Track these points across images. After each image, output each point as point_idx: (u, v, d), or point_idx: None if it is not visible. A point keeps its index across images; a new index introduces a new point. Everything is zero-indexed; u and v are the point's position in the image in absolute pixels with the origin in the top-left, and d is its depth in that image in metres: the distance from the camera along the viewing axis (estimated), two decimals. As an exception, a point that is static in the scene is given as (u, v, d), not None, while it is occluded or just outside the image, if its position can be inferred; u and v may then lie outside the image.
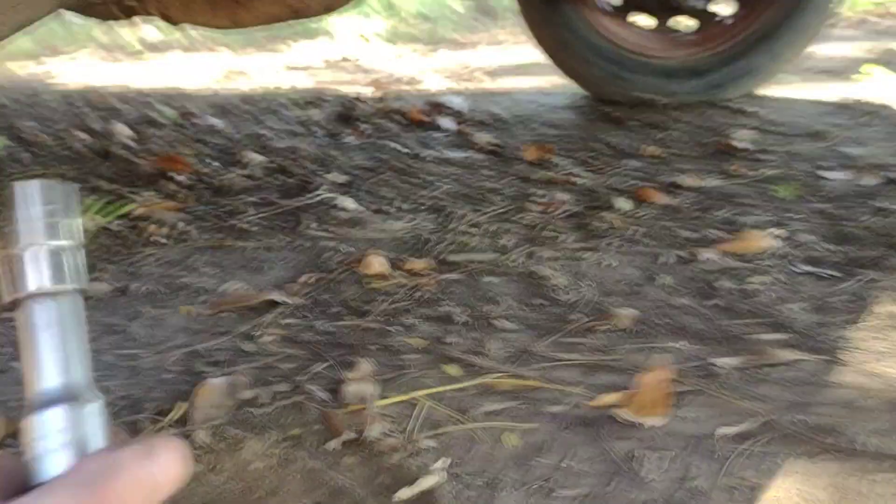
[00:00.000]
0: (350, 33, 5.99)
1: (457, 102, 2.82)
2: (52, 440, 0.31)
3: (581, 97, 2.86)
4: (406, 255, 1.41)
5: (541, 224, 1.54)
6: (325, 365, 1.06)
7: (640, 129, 2.30)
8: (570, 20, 2.62)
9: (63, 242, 0.34)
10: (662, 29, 2.68)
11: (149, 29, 6.85)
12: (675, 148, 2.07)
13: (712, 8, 2.60)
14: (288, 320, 1.20)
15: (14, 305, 0.33)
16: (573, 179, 1.79)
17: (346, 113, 2.74)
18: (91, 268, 1.40)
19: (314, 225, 1.58)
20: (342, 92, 3.34)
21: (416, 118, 2.59)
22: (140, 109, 3.21)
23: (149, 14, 1.66)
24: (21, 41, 6.05)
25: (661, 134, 2.23)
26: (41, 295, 0.33)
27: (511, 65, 4.05)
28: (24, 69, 5.07)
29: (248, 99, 3.36)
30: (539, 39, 2.75)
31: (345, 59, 4.82)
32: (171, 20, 1.67)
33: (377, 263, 1.36)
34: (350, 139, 2.36)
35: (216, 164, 2.12)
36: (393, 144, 2.24)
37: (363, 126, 2.53)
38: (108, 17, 2.06)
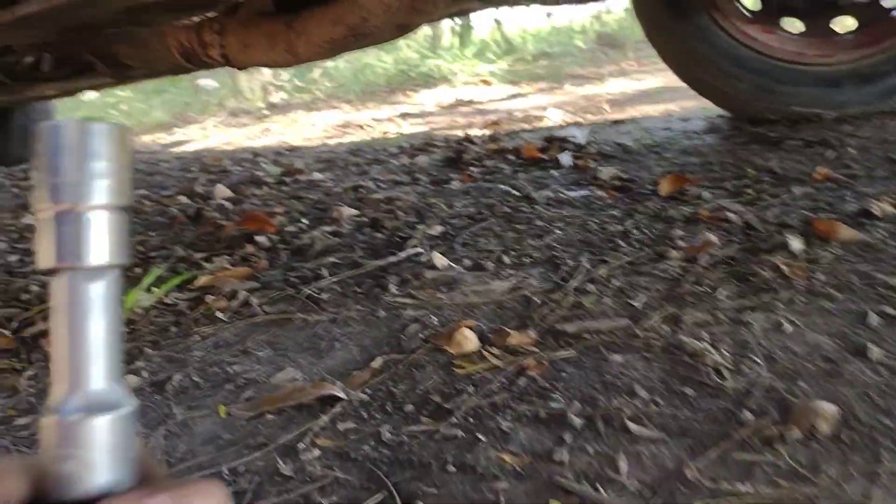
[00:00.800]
0: (470, 77, 5.80)
1: (578, 135, 2.49)
2: (90, 454, 0.29)
3: (723, 119, 2.45)
4: (507, 326, 1.08)
5: (685, 276, 1.17)
6: (381, 498, 0.75)
7: (805, 150, 1.87)
8: (705, 31, 2.24)
9: (119, 203, 0.30)
10: (818, 31, 2.24)
11: (275, 93, 7.01)
12: (856, 168, 1.63)
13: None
14: (346, 424, 0.90)
15: (54, 273, 0.29)
16: (724, 215, 1.41)
17: (456, 157, 2.48)
18: (132, 355, 1.18)
19: (395, 289, 1.29)
20: (454, 135, 3.10)
21: (531, 155, 2.28)
22: (249, 169, 3.11)
23: (212, 59, 1.47)
24: (155, 112, 6.33)
25: (834, 153, 1.79)
26: (91, 270, 0.29)
27: (638, 92, 3.68)
28: (156, 140, 5.23)
29: (357, 150, 3.18)
30: (669, 57, 2.39)
31: (462, 103, 4.61)
32: (234, 63, 1.47)
33: (468, 339, 1.05)
34: (455, 184, 2.08)
35: (305, 221, 1.89)
36: (503, 187, 1.94)
37: (472, 169, 2.25)
38: (177, 72, 1.91)
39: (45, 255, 0.29)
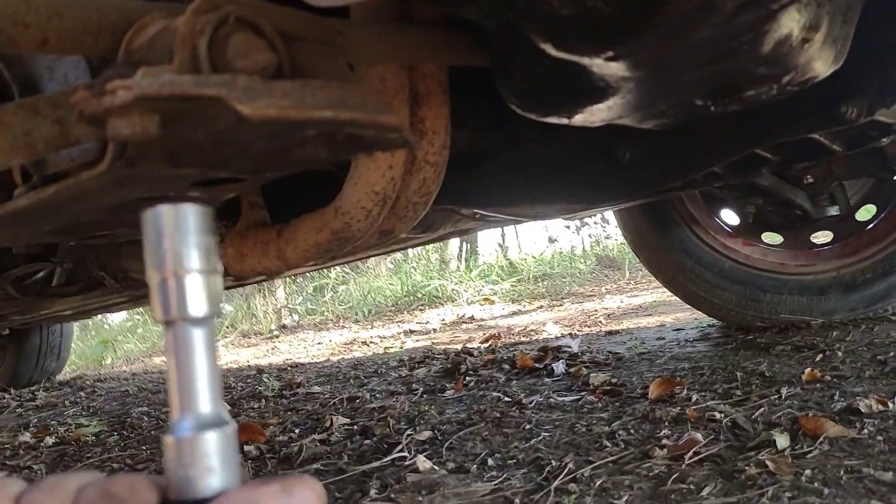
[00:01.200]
0: (474, 296, 5.97)
1: (573, 345, 2.53)
2: (204, 462, 0.36)
3: (715, 327, 2.50)
4: (485, 527, 1.04)
5: (670, 474, 1.14)
6: None
7: (793, 354, 1.88)
8: (687, 244, 2.35)
9: (215, 268, 0.38)
10: (798, 244, 2.35)
11: (288, 316, 7.19)
12: (844, 369, 1.64)
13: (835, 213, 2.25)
14: None
15: (166, 325, 0.38)
16: (712, 415, 1.40)
17: (453, 368, 2.50)
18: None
19: (375, 493, 1.25)
20: (454, 349, 3.14)
21: (525, 364, 2.29)
22: (251, 385, 3.12)
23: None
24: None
25: (822, 356, 1.80)
26: (197, 320, 0.37)
27: (634, 306, 3.76)
28: (165, 361, 5.29)
29: (358, 364, 3.21)
30: (657, 271, 2.48)
31: (465, 320, 4.71)
32: (232, 273, 1.54)
33: (443, 540, 1.00)
34: (449, 393, 2.08)
35: (297, 430, 1.88)
36: (494, 394, 1.94)
37: (467, 379, 2.26)
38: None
39: (157, 312, 0.38)
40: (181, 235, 0.37)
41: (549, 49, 0.66)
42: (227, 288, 1.63)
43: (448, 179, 1.19)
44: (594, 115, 0.88)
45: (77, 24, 0.62)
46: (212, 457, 0.36)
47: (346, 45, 0.77)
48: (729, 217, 2.41)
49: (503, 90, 0.88)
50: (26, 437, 2.45)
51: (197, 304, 0.37)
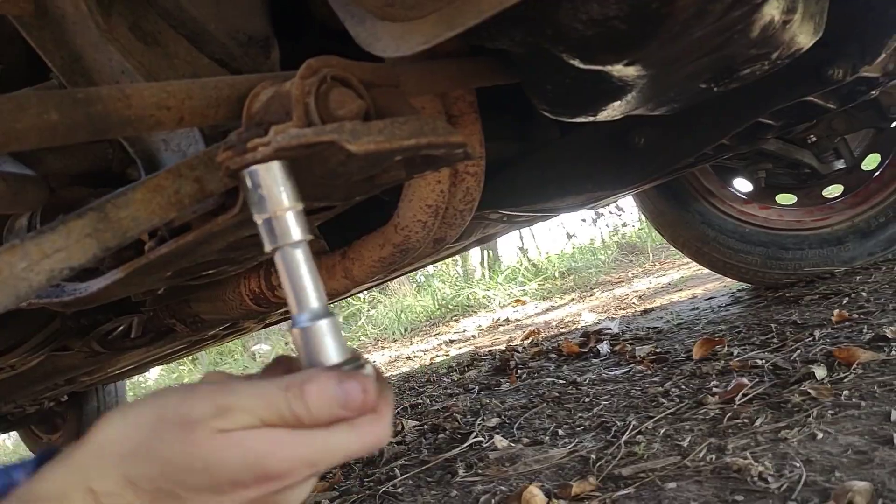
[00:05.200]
0: (505, 300, 6.11)
1: (612, 326, 2.66)
2: (328, 340, 0.50)
3: (745, 291, 2.62)
4: (569, 482, 1.18)
5: (724, 414, 1.28)
6: None
7: (821, 301, 2.01)
8: (707, 216, 2.49)
9: (299, 203, 0.57)
10: (811, 200, 2.48)
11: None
12: (869, 307, 1.76)
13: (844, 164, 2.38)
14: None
15: (274, 252, 0.54)
16: (753, 363, 1.53)
17: (502, 365, 2.64)
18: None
19: (463, 472, 1.39)
20: (499, 349, 3.28)
21: (571, 350, 2.43)
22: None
23: (280, 299, 1.70)
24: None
25: (848, 299, 1.93)
26: (299, 242, 0.54)
27: (664, 285, 3.88)
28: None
29: (409, 377, 3.35)
30: (682, 245, 2.61)
31: (502, 323, 4.84)
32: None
33: (536, 497, 1.15)
34: (505, 386, 2.22)
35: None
36: (549, 380, 2.08)
37: (518, 372, 2.39)
38: (248, 317, 2.14)
39: (266, 245, 0.54)
40: (276, 183, 0.60)
41: (577, 63, 0.81)
42: (278, 308, 1.79)
43: (484, 187, 1.34)
44: (615, 109, 1.02)
45: (203, 101, 0.78)
46: (327, 339, 0.50)
47: (401, 83, 0.93)
48: (742, 185, 2.54)
49: (535, 100, 1.04)
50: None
51: (294, 230, 0.54)
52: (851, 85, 1.50)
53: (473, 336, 4.59)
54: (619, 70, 0.85)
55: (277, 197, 0.59)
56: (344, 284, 1.54)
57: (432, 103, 1.18)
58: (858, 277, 2.16)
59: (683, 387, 1.53)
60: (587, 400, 1.67)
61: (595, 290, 5.00)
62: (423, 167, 0.90)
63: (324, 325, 0.51)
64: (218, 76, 0.93)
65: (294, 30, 1.09)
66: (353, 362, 0.53)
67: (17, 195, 0.96)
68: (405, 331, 6.32)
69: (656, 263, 5.43)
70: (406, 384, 3.13)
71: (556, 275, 6.54)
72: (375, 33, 0.79)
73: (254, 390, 0.47)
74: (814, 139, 2.33)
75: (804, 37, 1.04)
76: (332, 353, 0.50)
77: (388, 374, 3.89)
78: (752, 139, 1.73)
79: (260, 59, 0.98)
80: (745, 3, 0.79)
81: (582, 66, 0.82)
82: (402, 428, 1.99)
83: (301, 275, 0.54)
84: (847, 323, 1.67)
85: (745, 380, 1.41)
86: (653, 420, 1.36)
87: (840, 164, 2.37)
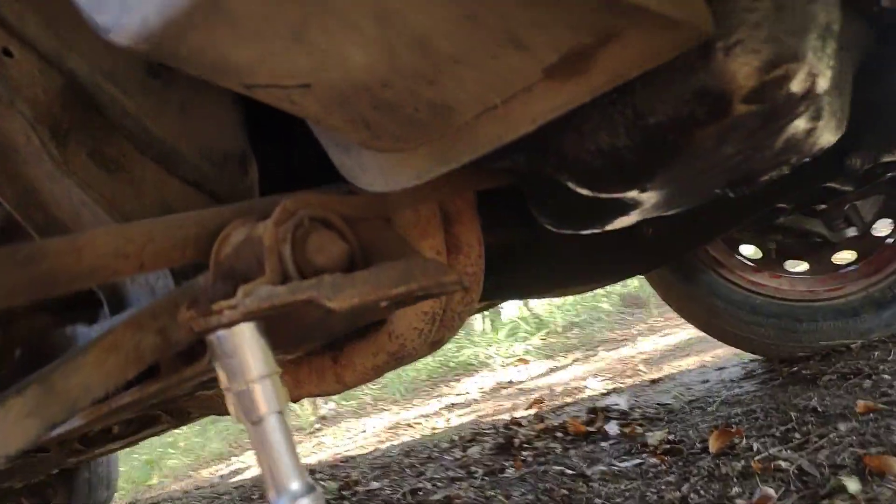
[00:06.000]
0: (507, 358, 5.98)
1: (620, 402, 2.55)
2: None
3: (757, 363, 2.52)
4: None
5: (751, 537, 1.17)
6: None
7: (841, 383, 1.91)
8: (715, 288, 2.39)
9: (274, 369, 0.56)
10: (822, 268, 2.39)
11: (325, 405, 7.20)
12: (893, 394, 1.67)
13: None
14: None
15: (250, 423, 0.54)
16: (777, 464, 1.43)
17: (506, 443, 2.53)
18: None
19: None
20: (501, 420, 3.16)
21: (578, 430, 2.32)
22: (307, 488, 3.14)
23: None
24: (212, 445, 6.47)
25: (870, 381, 1.83)
26: (274, 413, 0.53)
27: (670, 347, 3.78)
28: (214, 472, 5.30)
29: (409, 451, 3.23)
30: (692, 317, 2.52)
31: (504, 385, 4.72)
32: (292, 399, 1.59)
33: None
34: (510, 472, 2.11)
35: (367, 536, 1.91)
36: (556, 467, 1.96)
37: (524, 454, 2.28)
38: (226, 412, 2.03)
39: (233, 416, 0.55)
40: (248, 350, 0.57)
41: (584, 192, 0.73)
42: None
43: (485, 279, 1.25)
44: (625, 221, 0.94)
45: (166, 243, 0.69)
46: None
47: (390, 204, 0.85)
48: (751, 253, 2.45)
49: (537, 214, 0.96)
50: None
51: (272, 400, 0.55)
52: (870, 169, 1.43)
53: (476, 401, 4.46)
54: (629, 196, 0.77)
55: (248, 366, 0.53)
56: (334, 388, 1.45)
57: (428, 204, 1.10)
58: (877, 353, 2.06)
59: (703, 492, 1.42)
60: (599, 502, 1.56)
61: (599, 349, 4.89)
62: (413, 303, 0.81)
63: None
64: (190, 200, 0.84)
65: (279, 135, 1.01)
66: None
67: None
68: (405, 391, 6.18)
69: (661, 318, 5.32)
70: (406, 460, 3.00)
71: (559, 329, 6.42)
72: (361, 164, 0.71)
73: None
74: (824, 207, 2.26)
75: (828, 136, 0.97)
76: None
77: (387, 445, 3.76)
78: (763, 221, 1.66)
79: (236, 178, 0.89)
80: (771, 125, 0.71)
81: (590, 194, 0.74)
82: (401, 526, 1.87)
83: (276, 451, 0.52)
84: (872, 415, 1.57)
85: (770, 490, 1.30)
86: (672, 539, 1.25)
87: (852, 232, 2.30)
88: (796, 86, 0.65)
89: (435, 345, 1.37)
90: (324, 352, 1.46)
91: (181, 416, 2.03)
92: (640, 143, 0.64)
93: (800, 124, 0.79)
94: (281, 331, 0.69)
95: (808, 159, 0.96)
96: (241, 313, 0.59)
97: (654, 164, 0.68)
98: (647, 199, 0.83)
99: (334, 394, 1.58)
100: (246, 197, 0.86)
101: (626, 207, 0.85)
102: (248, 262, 0.66)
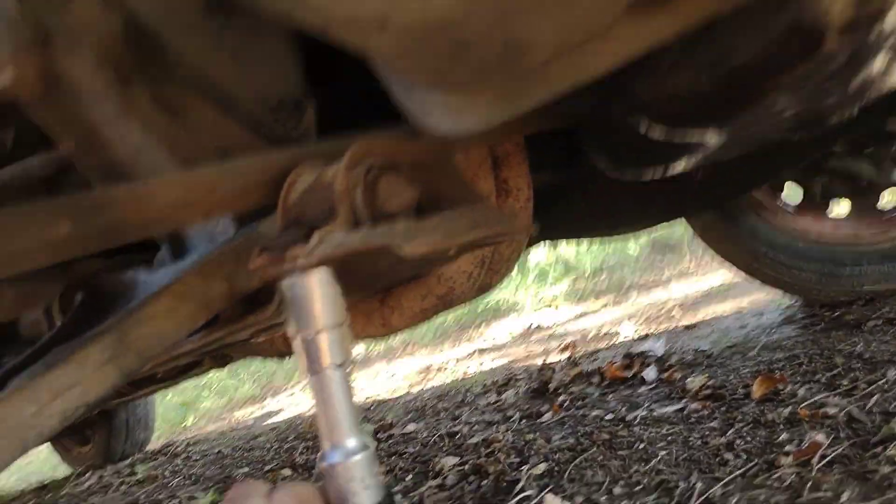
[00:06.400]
0: (536, 303, 5.99)
1: (655, 347, 2.54)
2: (360, 480, 0.48)
3: (798, 307, 2.49)
4: (635, 562, 1.08)
5: (803, 483, 1.17)
6: None
7: (887, 328, 1.88)
8: (758, 231, 2.35)
9: (343, 323, 0.54)
10: (866, 212, 2.34)
11: (354, 349, 7.29)
12: (945, 339, 1.64)
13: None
14: None
15: (312, 373, 0.52)
16: (825, 411, 1.42)
17: (541, 387, 2.54)
18: None
19: (516, 538, 1.30)
20: (535, 364, 3.18)
21: (615, 375, 2.32)
22: (343, 429, 3.19)
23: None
24: (245, 387, 6.60)
25: (917, 326, 1.80)
26: (338, 366, 0.52)
27: (704, 292, 3.75)
28: (249, 414, 5.42)
29: (443, 395, 3.26)
30: (734, 260, 2.48)
31: (534, 330, 4.74)
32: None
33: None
34: (548, 416, 2.12)
35: (408, 478, 1.94)
36: (595, 412, 1.97)
37: (560, 398, 2.29)
38: (280, 357, 2.07)
39: (301, 368, 0.53)
40: (316, 300, 0.55)
41: (656, 135, 0.70)
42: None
43: (534, 219, 1.23)
44: (686, 165, 0.92)
45: (230, 190, 0.68)
46: (359, 475, 0.49)
47: (451, 148, 0.83)
48: (796, 196, 2.40)
49: (595, 156, 0.93)
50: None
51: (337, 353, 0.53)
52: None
53: (506, 345, 4.49)
54: (699, 136, 0.74)
55: (318, 315, 0.53)
56: (381, 332, 1.45)
57: (477, 148, 1.08)
58: (924, 298, 2.02)
59: (749, 438, 1.42)
60: (641, 447, 1.57)
61: (630, 294, 4.87)
62: (477, 249, 0.80)
63: (356, 464, 0.49)
64: (247, 144, 0.83)
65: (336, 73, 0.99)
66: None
67: (26, 297, 0.87)
68: (434, 336, 6.23)
69: (693, 264, 5.28)
70: (440, 404, 3.04)
71: (588, 274, 6.40)
72: (428, 106, 0.69)
73: None
74: (871, 148, 2.19)
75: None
76: (362, 497, 0.48)
77: (419, 389, 3.81)
78: (813, 164, 1.61)
79: (291, 124, 0.88)
80: (856, 62, 0.68)
81: (664, 133, 0.71)
82: (442, 468, 1.90)
83: (335, 405, 0.51)
84: (923, 361, 1.55)
85: (820, 436, 1.29)
86: (720, 484, 1.25)
87: (899, 174, 2.23)
88: (889, 21, 0.62)
89: (482, 289, 1.37)
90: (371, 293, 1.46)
91: (223, 360, 2.06)
92: (722, 84, 0.61)
93: (878, 62, 0.75)
94: (349, 276, 0.68)
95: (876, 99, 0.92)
96: (317, 259, 0.58)
97: (735, 106, 0.65)
98: (715, 142, 0.80)
99: (379, 337, 1.58)
100: (303, 141, 0.84)
101: (692, 150, 0.82)
102: (317, 208, 0.65)
